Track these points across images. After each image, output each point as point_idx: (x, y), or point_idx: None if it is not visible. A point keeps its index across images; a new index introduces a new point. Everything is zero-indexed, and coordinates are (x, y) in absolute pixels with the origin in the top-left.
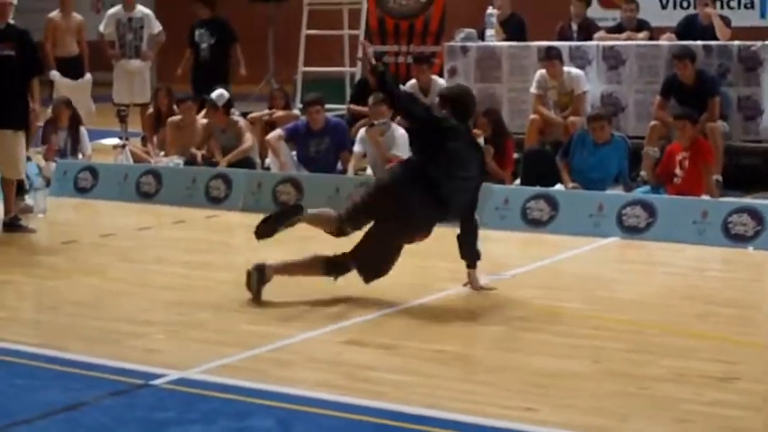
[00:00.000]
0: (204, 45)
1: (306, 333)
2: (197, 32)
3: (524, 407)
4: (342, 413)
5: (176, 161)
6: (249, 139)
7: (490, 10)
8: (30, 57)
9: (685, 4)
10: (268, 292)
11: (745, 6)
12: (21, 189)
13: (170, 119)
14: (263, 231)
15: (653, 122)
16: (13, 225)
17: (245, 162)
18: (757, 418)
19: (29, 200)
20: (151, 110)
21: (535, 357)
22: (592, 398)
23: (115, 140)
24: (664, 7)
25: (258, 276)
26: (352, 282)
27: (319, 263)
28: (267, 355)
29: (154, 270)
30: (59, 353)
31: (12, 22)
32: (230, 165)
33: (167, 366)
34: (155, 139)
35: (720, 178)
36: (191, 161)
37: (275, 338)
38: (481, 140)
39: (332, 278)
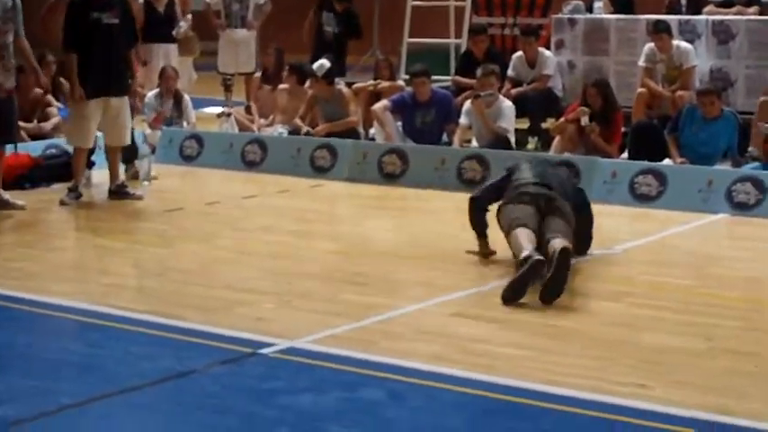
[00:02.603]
0: (329, 29)
1: (414, 305)
2: (324, 14)
3: (638, 383)
4: (454, 386)
5: (280, 130)
6: (355, 112)
7: None
8: (131, 24)
9: None
10: (369, 263)
11: None
12: (132, 155)
13: (280, 86)
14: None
15: (763, 98)
16: (119, 192)
17: (349, 133)
18: None
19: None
20: (258, 74)
21: (648, 333)
22: (707, 376)
23: (218, 109)
24: None
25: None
26: (455, 254)
27: None
28: (375, 326)
29: (260, 239)
30: (168, 320)
31: None
32: (335, 135)
33: (276, 335)
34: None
35: None
36: (295, 131)
37: (382, 309)
38: (585, 119)
39: None
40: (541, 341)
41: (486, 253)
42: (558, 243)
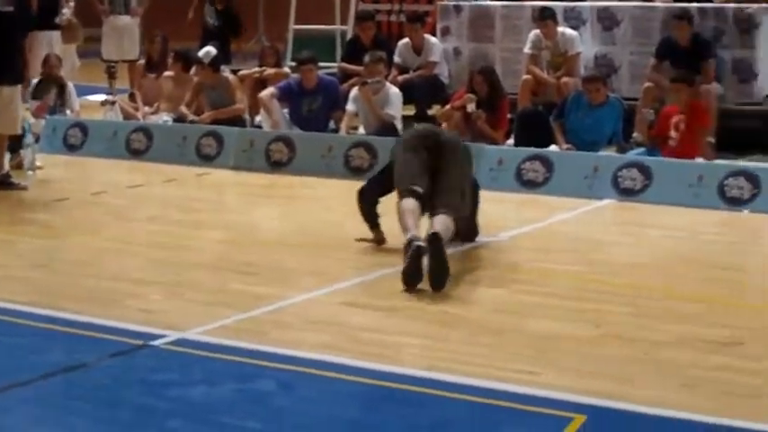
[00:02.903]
0: (211, 21)
1: (303, 294)
2: (206, 6)
3: (527, 370)
4: (345, 375)
5: (165, 118)
6: (241, 100)
7: None
8: (26, 12)
9: None
10: (257, 253)
11: None
12: (17, 144)
13: (165, 73)
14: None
15: (647, 84)
16: (3, 183)
17: (235, 120)
18: (763, 382)
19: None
20: (142, 61)
21: (536, 320)
22: (595, 362)
23: (102, 97)
24: None
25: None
26: (343, 242)
27: None
28: (265, 316)
29: (147, 229)
30: (57, 312)
31: None
32: (220, 122)
33: (166, 327)
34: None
35: (713, 141)
36: (180, 119)
37: (272, 300)
38: (472, 106)
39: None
40: (430, 328)
41: (377, 240)
42: (434, 223)
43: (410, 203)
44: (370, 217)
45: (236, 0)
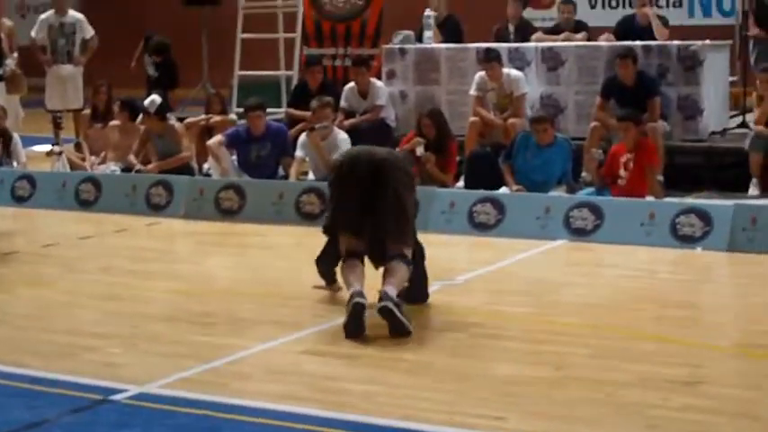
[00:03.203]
0: (150, 71)
1: (262, 344)
2: (146, 57)
3: (494, 416)
4: (309, 425)
5: (113, 168)
6: (188, 148)
7: (427, 12)
8: None
9: (614, 4)
10: (213, 302)
11: (674, 5)
12: None
13: (111, 123)
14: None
15: (593, 123)
16: None
17: (183, 169)
18: (726, 421)
19: None
20: (87, 110)
21: (499, 364)
22: (560, 405)
23: (46, 147)
24: (593, 7)
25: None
26: (299, 290)
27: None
28: (226, 367)
29: (100, 280)
30: (14, 368)
31: None
32: (168, 171)
33: (126, 381)
34: (88, 138)
35: (662, 178)
36: (128, 168)
37: (232, 350)
38: (421, 149)
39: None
40: (393, 376)
41: (333, 288)
42: (386, 282)
43: (351, 262)
44: (328, 277)
45: (180, 47)
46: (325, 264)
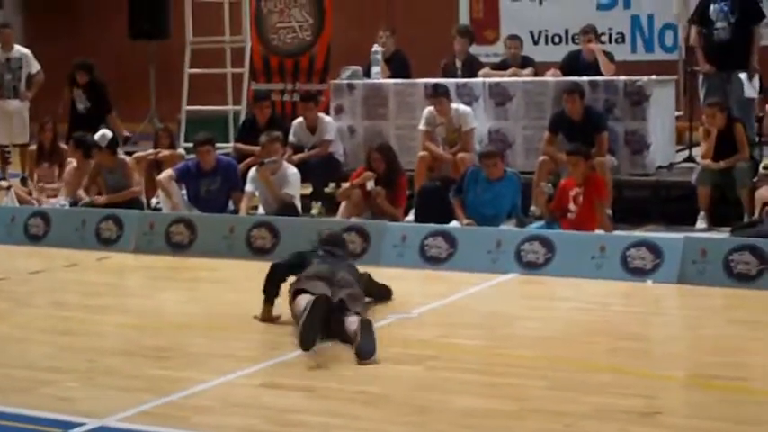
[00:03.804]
0: (81, 106)
1: (220, 377)
2: (75, 90)
3: None
4: None
5: (62, 202)
6: (138, 182)
7: (375, 47)
8: None
9: (557, 40)
10: (167, 336)
11: (617, 41)
12: None
13: (68, 164)
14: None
15: (542, 158)
16: None
17: (132, 203)
18: None
19: None
20: (34, 147)
21: (457, 397)
22: None
23: None
24: (536, 43)
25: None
26: (252, 323)
27: None
28: (184, 401)
29: (52, 315)
30: None
31: None
32: (117, 205)
33: (84, 415)
34: (35, 176)
35: (611, 212)
36: (76, 203)
37: (189, 383)
38: (371, 183)
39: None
40: (353, 408)
41: (269, 318)
42: (355, 317)
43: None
44: (272, 291)
45: (128, 81)
46: (279, 274)
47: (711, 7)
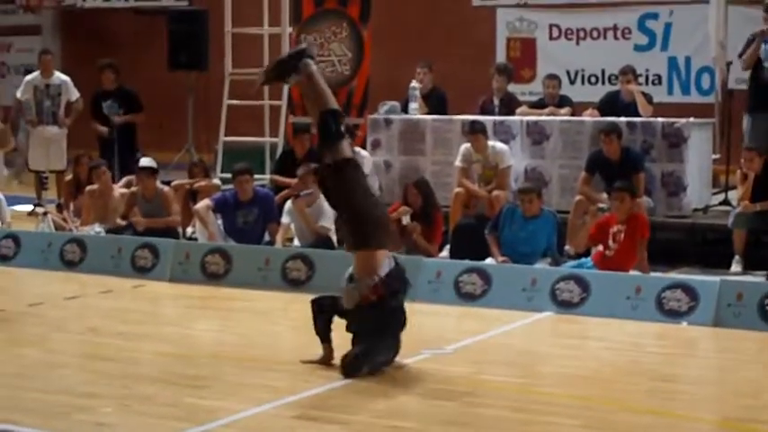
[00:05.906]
0: (114, 117)
1: (256, 407)
2: (104, 104)
3: None
4: None
5: (97, 229)
6: (177, 212)
7: (413, 83)
8: None
9: (593, 80)
10: (204, 366)
11: (653, 83)
12: None
13: (87, 188)
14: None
15: (578, 197)
16: None
17: (169, 232)
18: None
19: None
20: (70, 177)
21: None
22: None
23: (28, 207)
24: (572, 83)
25: None
26: (288, 355)
27: None
28: (220, 429)
29: (89, 341)
30: (8, 426)
31: None
32: (154, 231)
33: None
34: (71, 206)
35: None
36: (112, 230)
37: (225, 413)
38: (407, 218)
39: None
40: None
41: (326, 360)
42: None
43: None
44: (322, 329)
45: (166, 111)
46: (321, 311)
47: (763, 47)
